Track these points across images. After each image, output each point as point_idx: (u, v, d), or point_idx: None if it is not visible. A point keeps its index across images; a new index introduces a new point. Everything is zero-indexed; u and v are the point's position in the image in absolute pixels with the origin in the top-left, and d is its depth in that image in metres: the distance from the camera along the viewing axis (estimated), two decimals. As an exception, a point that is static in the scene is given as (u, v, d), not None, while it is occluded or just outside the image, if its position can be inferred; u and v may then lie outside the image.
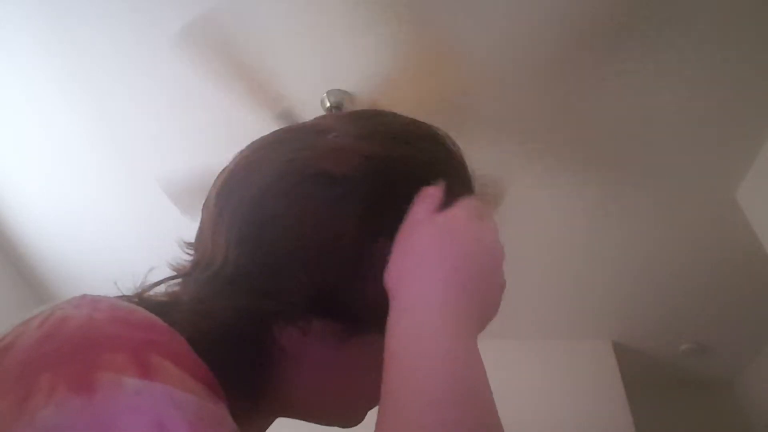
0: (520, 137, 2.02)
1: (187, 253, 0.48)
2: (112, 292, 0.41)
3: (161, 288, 0.46)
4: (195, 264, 0.46)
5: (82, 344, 0.31)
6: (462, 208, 0.45)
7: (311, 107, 1.88)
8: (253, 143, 0.51)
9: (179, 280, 0.46)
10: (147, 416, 0.28)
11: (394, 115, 0.53)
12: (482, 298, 0.42)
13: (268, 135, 0.51)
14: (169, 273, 0.47)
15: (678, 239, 2.41)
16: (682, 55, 1.75)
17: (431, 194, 0.45)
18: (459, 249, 0.42)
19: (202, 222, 0.48)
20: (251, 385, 0.44)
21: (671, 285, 2.66)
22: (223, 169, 0.50)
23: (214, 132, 2.02)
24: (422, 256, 0.41)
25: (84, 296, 0.36)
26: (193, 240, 0.49)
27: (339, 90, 1.88)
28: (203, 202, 0.50)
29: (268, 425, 0.48)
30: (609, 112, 1.93)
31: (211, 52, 1.64)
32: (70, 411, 0.28)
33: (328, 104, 1.88)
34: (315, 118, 0.55)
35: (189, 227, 0.52)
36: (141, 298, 0.43)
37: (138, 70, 1.85)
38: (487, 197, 0.53)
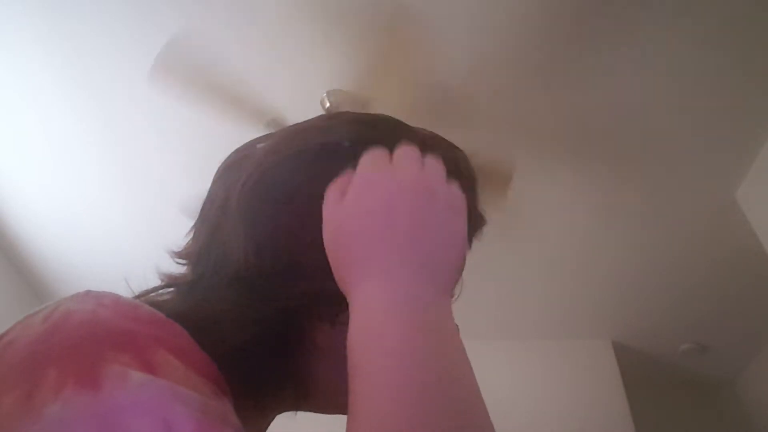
0: (517, 137, 2.02)
1: (179, 263, 0.48)
2: (113, 291, 0.41)
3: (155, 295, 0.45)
4: (200, 271, 0.45)
5: (88, 338, 0.31)
6: (401, 156, 0.42)
7: (311, 107, 1.88)
8: (250, 146, 0.51)
9: (173, 288, 0.46)
10: (153, 412, 0.28)
11: (401, 124, 0.53)
12: (440, 255, 0.39)
13: (272, 135, 0.51)
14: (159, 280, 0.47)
15: (678, 239, 2.41)
16: (682, 55, 1.75)
17: (376, 154, 0.43)
18: (402, 207, 0.39)
19: (204, 225, 0.48)
20: (276, 384, 0.44)
21: (671, 285, 2.66)
22: (226, 168, 0.50)
23: (214, 131, 2.01)
24: (364, 228, 0.39)
25: (88, 292, 0.36)
26: (181, 249, 0.48)
27: (339, 90, 1.88)
28: (203, 203, 0.49)
29: (269, 423, 0.48)
30: (608, 111, 1.93)
31: (188, 73, 1.62)
32: (77, 406, 0.28)
33: (327, 104, 1.88)
34: (321, 117, 0.55)
35: (188, 227, 0.51)
36: (150, 303, 0.43)
37: (138, 69, 1.85)
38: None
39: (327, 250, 0.40)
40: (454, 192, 0.43)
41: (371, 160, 0.42)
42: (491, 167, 1.81)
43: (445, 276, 0.39)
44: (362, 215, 0.39)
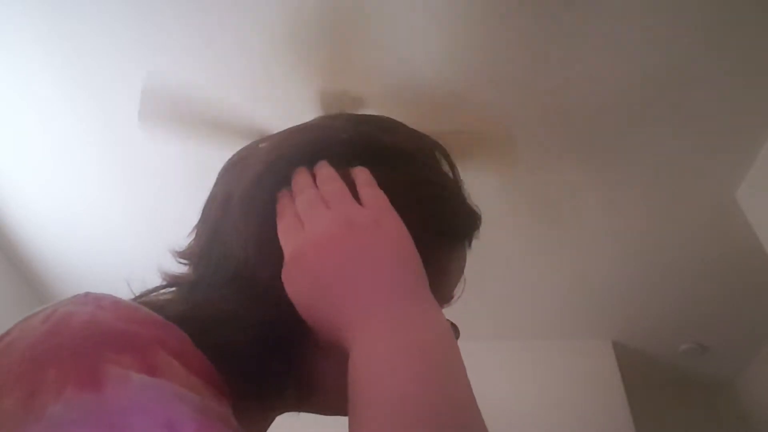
0: (518, 138, 2.01)
1: (181, 263, 0.48)
2: (112, 292, 0.41)
3: (155, 295, 0.46)
4: (201, 271, 0.45)
5: (88, 340, 0.31)
6: (335, 213, 0.43)
7: (311, 107, 1.88)
8: (252, 147, 0.51)
9: (174, 288, 0.46)
10: (155, 413, 0.28)
11: (399, 124, 0.53)
12: (407, 269, 0.41)
13: (274, 135, 0.51)
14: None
15: (678, 239, 2.41)
16: (682, 56, 1.75)
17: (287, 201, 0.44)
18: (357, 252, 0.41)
19: (206, 225, 0.48)
20: (277, 384, 0.44)
21: (671, 285, 2.66)
22: (228, 168, 0.50)
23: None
24: (335, 286, 0.40)
25: (87, 294, 0.36)
26: (183, 249, 0.49)
27: (339, 90, 1.88)
28: (204, 203, 0.50)
29: (270, 424, 0.48)
30: (609, 112, 1.93)
31: (174, 107, 1.64)
32: (79, 407, 0.28)
33: (328, 104, 1.88)
34: (322, 117, 0.56)
35: (189, 227, 0.52)
36: (150, 304, 0.43)
37: (138, 69, 1.85)
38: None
39: (304, 315, 0.41)
40: (382, 218, 0.43)
41: (306, 205, 0.43)
42: (489, 134, 1.80)
43: (419, 282, 0.41)
44: (329, 274, 0.40)
